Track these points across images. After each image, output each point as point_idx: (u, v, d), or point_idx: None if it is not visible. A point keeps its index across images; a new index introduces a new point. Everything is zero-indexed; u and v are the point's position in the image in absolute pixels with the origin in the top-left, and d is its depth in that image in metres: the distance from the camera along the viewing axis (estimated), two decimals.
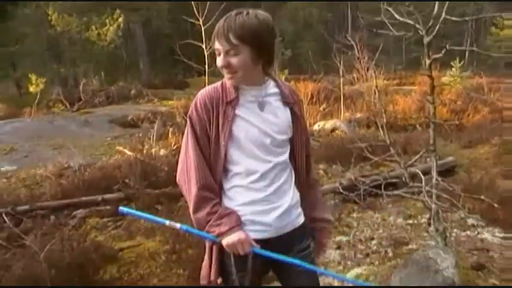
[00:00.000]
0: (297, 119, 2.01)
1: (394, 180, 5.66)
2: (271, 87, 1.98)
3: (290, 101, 2.00)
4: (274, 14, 29.29)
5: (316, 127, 9.85)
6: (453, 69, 14.53)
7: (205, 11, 7.65)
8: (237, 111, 1.87)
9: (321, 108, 11.39)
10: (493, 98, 12.39)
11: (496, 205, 3.80)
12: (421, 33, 3.29)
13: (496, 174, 7.05)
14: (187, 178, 1.88)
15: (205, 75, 7.79)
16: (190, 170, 1.87)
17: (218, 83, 1.94)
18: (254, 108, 1.91)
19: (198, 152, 1.88)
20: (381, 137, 8.71)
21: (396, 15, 3.47)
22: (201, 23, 7.48)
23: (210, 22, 6.65)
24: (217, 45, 1.85)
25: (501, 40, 20.27)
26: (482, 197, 3.83)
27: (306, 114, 10.23)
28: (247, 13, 1.82)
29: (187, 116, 1.93)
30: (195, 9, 7.77)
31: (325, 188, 5.81)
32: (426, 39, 3.27)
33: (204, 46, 7.43)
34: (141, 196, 5.58)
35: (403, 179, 4.52)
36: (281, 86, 2.01)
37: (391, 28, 3.55)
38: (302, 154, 2.06)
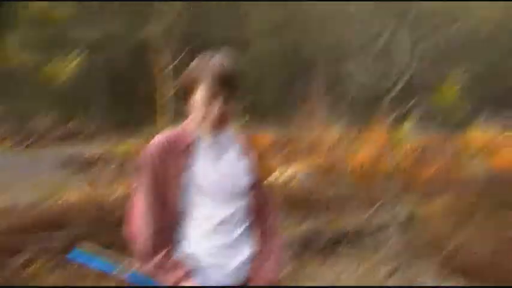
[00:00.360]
0: (254, 166, 2.01)
1: (355, 231, 5.60)
2: (228, 135, 1.96)
3: (244, 146, 2.02)
4: (237, 58, 29.62)
5: (274, 176, 9.75)
6: (407, 123, 14.90)
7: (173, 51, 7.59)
8: (196, 158, 1.84)
9: (280, 157, 11.33)
10: (446, 153, 12.66)
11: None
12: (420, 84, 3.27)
13: (452, 231, 7.13)
14: (137, 227, 1.84)
15: (166, 117, 7.66)
16: (141, 218, 1.82)
17: (175, 128, 1.91)
18: (213, 156, 1.89)
19: (150, 200, 1.82)
20: (340, 188, 8.81)
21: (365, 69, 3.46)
22: (163, 62, 7.40)
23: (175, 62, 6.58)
24: (217, 88, 1.81)
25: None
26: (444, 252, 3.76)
27: (264, 162, 10.11)
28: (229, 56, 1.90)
29: (141, 162, 1.84)
30: (159, 49, 7.71)
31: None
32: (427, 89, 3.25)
33: (166, 87, 7.33)
34: (92, 240, 5.27)
35: (368, 231, 4.47)
36: (237, 133, 2.03)
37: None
38: (261, 202, 2.04)
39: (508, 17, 24.19)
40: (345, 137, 15.17)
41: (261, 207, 2.03)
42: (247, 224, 1.97)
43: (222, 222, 1.86)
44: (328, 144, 11.62)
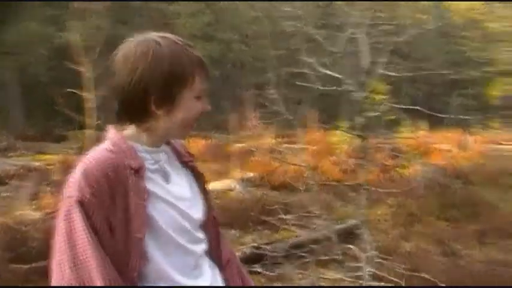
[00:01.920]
0: (201, 180, 1.50)
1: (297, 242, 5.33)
2: (165, 147, 1.44)
3: (187, 159, 1.49)
4: None
5: (209, 185, 9.29)
6: (341, 128, 14.90)
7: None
8: (147, 185, 1.27)
9: (213, 167, 10.88)
10: (379, 157, 12.70)
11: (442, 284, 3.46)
12: (352, 88, 2.93)
13: (397, 237, 7.00)
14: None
15: (92, 128, 6.98)
16: (91, 272, 1.15)
17: (106, 144, 1.30)
18: (159, 180, 1.34)
19: (99, 249, 1.17)
20: (277, 198, 8.51)
21: (322, 69, 3.11)
22: (85, 70, 6.73)
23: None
24: (204, 85, 1.37)
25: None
26: (426, 276, 3.47)
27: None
28: None
29: (72, 197, 1.20)
30: (78, 56, 7.03)
31: None
32: (359, 95, 2.91)
33: (89, 96, 6.66)
34: (3, 274, 4.58)
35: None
36: (172, 142, 1.47)
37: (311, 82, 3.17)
38: (216, 226, 1.56)
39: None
40: (279, 143, 14.98)
41: (216, 232, 1.56)
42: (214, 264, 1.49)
43: (191, 273, 1.36)
44: (263, 152, 11.30)
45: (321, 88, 3.38)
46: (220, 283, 1.45)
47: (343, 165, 11.18)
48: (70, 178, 1.23)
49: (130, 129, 1.33)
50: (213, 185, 9.35)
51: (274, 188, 9.72)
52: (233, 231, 6.73)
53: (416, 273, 4.38)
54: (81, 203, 1.18)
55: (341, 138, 14.23)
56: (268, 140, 13.44)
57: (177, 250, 1.30)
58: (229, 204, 7.88)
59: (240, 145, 13.58)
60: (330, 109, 31.45)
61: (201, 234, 1.41)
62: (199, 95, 1.33)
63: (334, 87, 3.63)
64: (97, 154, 1.26)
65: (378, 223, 7.54)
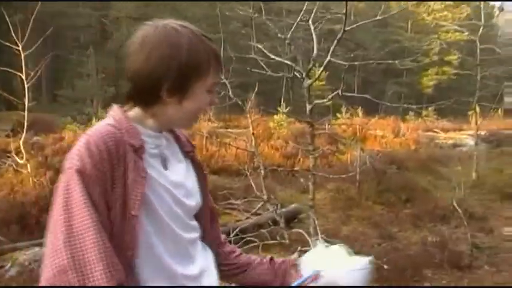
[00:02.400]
0: (201, 173, 1.44)
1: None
2: (167, 134, 1.37)
3: (189, 149, 1.43)
4: (96, 50, 28.09)
5: None
6: (279, 114, 15.03)
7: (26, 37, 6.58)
8: (146, 166, 1.23)
9: None
10: (318, 143, 12.92)
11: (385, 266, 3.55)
12: (299, 76, 2.93)
13: (336, 221, 7.16)
14: (82, 264, 1.09)
15: (24, 110, 6.64)
16: (88, 252, 1.09)
17: (109, 120, 1.26)
18: (157, 165, 1.29)
19: (97, 222, 1.12)
20: (218, 183, 8.48)
21: (271, 55, 3.08)
22: (20, 48, 6.37)
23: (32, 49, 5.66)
24: (217, 79, 1.32)
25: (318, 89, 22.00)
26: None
27: None
28: None
29: (72, 167, 1.15)
30: (13, 34, 6.63)
31: None
32: (307, 82, 2.91)
33: (23, 76, 6.31)
34: None
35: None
36: (175, 130, 1.42)
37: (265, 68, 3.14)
38: (212, 219, 1.51)
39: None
40: (218, 127, 14.92)
41: (214, 226, 1.53)
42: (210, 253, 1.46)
43: (186, 260, 1.32)
44: (201, 136, 11.20)
45: (267, 73, 3.36)
46: (212, 267, 1.42)
47: (283, 149, 11.29)
48: (72, 150, 1.19)
49: (134, 112, 1.29)
50: None
51: (214, 172, 9.67)
52: None
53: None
54: (81, 173, 1.14)
55: (280, 123, 14.38)
56: (206, 124, 13.35)
57: (170, 234, 1.26)
58: None
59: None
60: (271, 94, 31.70)
61: (194, 223, 1.37)
62: (211, 88, 1.30)
63: (282, 74, 3.64)
64: (100, 128, 1.22)
65: (318, 207, 7.65)
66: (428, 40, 41.51)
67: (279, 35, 4.07)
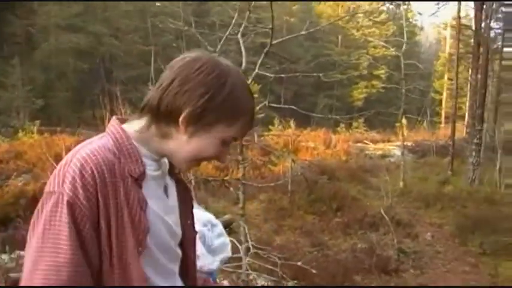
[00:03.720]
0: (187, 195, 1.35)
1: None
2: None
3: (176, 171, 1.32)
4: (23, 60, 27.01)
5: None
6: None
7: None
8: (146, 193, 1.14)
9: None
10: (251, 155, 13.04)
11: (314, 271, 3.63)
12: None
13: (269, 230, 7.24)
14: None
15: None
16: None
17: (108, 141, 1.13)
18: (158, 190, 1.21)
19: (82, 261, 1.03)
20: None
21: None
22: None
23: None
24: (238, 135, 1.19)
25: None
26: (299, 263, 3.62)
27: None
28: None
29: (62, 194, 1.03)
30: None
31: None
32: None
33: None
34: None
35: None
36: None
37: None
38: (194, 245, 1.40)
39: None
40: None
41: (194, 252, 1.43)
42: None
43: None
44: None
45: None
46: None
47: (214, 161, 11.27)
48: (62, 169, 1.06)
49: (140, 124, 1.16)
50: None
51: None
52: None
53: (289, 262, 4.57)
54: (71, 205, 1.02)
55: None
56: None
57: (160, 268, 1.19)
58: None
59: None
60: None
61: (179, 251, 1.28)
62: (227, 141, 1.16)
63: None
64: (97, 152, 1.08)
65: (251, 218, 7.72)
66: (357, 54, 43.04)
67: (208, 48, 4.11)
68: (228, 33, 4.21)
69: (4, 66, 26.24)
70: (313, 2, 48.17)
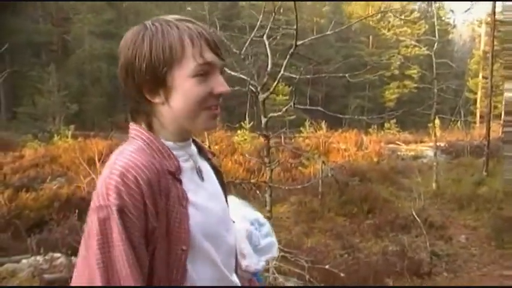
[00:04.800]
0: (222, 180, 1.32)
1: None
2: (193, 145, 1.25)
3: (209, 156, 1.31)
4: (58, 67, 27.66)
5: None
6: (243, 129, 15.10)
7: None
8: (185, 189, 1.11)
9: None
10: (281, 157, 13.02)
11: (342, 274, 3.60)
12: (254, 89, 2.99)
13: (299, 233, 7.20)
14: None
15: None
16: None
17: (140, 144, 1.11)
18: (196, 179, 1.18)
19: (137, 269, 1.01)
20: None
21: (227, 70, 3.13)
22: None
23: None
24: (212, 57, 1.11)
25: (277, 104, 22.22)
26: (327, 266, 3.60)
27: (97, 175, 9.38)
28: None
29: (109, 205, 1.00)
30: None
31: None
32: (262, 96, 2.97)
33: None
34: None
35: None
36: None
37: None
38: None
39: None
40: None
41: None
42: None
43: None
44: None
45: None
46: None
47: (247, 164, 11.31)
48: (103, 184, 1.02)
49: (145, 126, 1.15)
50: None
51: None
52: None
53: (318, 266, 4.54)
54: (121, 213, 1.00)
55: (243, 138, 14.41)
56: None
57: (213, 265, 1.16)
58: None
59: None
60: (234, 109, 31.79)
61: (231, 241, 1.24)
62: (196, 72, 1.08)
63: (238, 88, 3.69)
64: (133, 157, 1.05)
65: (281, 220, 7.71)
66: (388, 54, 42.55)
67: (235, 51, 4.12)
68: (253, 35, 4.22)
69: (41, 73, 26.96)
70: (344, 3, 47.88)
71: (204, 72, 1.09)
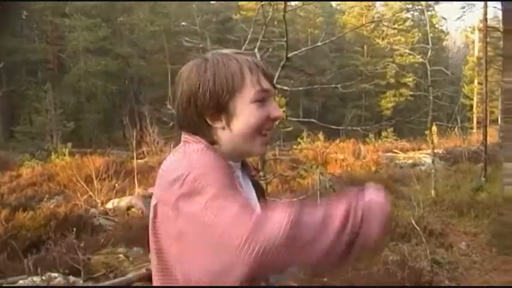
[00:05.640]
0: (263, 196, 1.35)
1: None
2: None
3: (253, 173, 1.39)
4: (54, 85, 27.70)
5: (110, 205, 8.97)
6: None
7: None
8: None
9: (114, 184, 10.52)
10: (279, 169, 12.99)
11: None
12: None
13: None
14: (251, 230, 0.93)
15: None
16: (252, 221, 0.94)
17: (199, 147, 1.15)
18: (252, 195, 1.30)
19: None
20: None
21: None
22: None
23: None
24: (268, 85, 1.21)
25: None
26: (325, 279, 3.56)
27: (95, 192, 9.36)
28: None
29: (201, 183, 1.01)
30: None
31: (129, 277, 5.05)
32: None
33: None
34: None
35: None
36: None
37: None
38: None
39: None
40: None
41: None
42: None
43: None
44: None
45: None
46: None
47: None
48: (183, 176, 1.05)
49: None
50: (114, 202, 9.06)
51: None
52: (136, 249, 6.50)
53: (316, 278, 4.51)
54: (218, 181, 1.04)
55: None
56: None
57: None
58: (130, 222, 7.66)
59: (140, 161, 13.29)
60: None
61: None
62: (255, 99, 1.17)
63: None
64: (196, 159, 1.11)
65: None
66: (383, 63, 42.69)
67: None
68: (243, 48, 4.23)
69: (38, 92, 27.03)
70: (337, 14, 48.15)
71: (261, 99, 1.18)
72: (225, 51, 1.23)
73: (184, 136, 1.21)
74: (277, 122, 1.24)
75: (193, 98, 1.17)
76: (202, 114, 1.17)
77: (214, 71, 1.16)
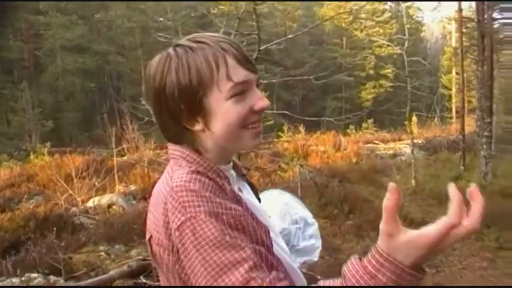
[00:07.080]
0: (256, 194, 1.26)
1: None
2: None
3: (243, 172, 1.24)
4: (31, 83, 27.30)
5: (91, 203, 8.90)
6: None
7: None
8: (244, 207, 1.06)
9: (94, 183, 10.44)
10: (260, 162, 13.01)
11: (318, 277, 3.57)
12: None
13: None
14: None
15: None
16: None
17: (191, 166, 1.03)
18: (253, 201, 1.16)
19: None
20: None
21: None
22: None
23: None
24: (245, 74, 1.03)
25: None
26: (304, 270, 3.56)
27: (75, 191, 9.27)
28: None
29: (195, 214, 0.92)
30: None
31: (111, 274, 5.03)
32: None
33: None
34: None
35: None
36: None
37: None
38: None
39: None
40: (158, 155, 14.76)
41: None
42: None
43: None
44: (143, 164, 11.05)
45: None
46: None
47: None
48: (168, 207, 0.96)
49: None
50: (95, 200, 9.01)
51: None
52: (117, 246, 6.47)
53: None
54: (212, 214, 0.93)
55: None
56: (148, 152, 13.20)
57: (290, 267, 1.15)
58: (111, 219, 7.60)
59: (120, 159, 13.19)
60: None
61: (284, 246, 1.22)
62: (232, 94, 1.01)
63: None
64: (189, 176, 0.99)
65: None
66: (362, 55, 42.95)
67: None
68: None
69: (13, 91, 26.60)
70: (316, 7, 48.22)
71: (239, 92, 1.02)
72: (197, 37, 1.06)
73: (170, 149, 1.10)
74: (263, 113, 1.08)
75: (163, 101, 1.03)
76: (176, 118, 1.04)
77: (178, 69, 1.01)
